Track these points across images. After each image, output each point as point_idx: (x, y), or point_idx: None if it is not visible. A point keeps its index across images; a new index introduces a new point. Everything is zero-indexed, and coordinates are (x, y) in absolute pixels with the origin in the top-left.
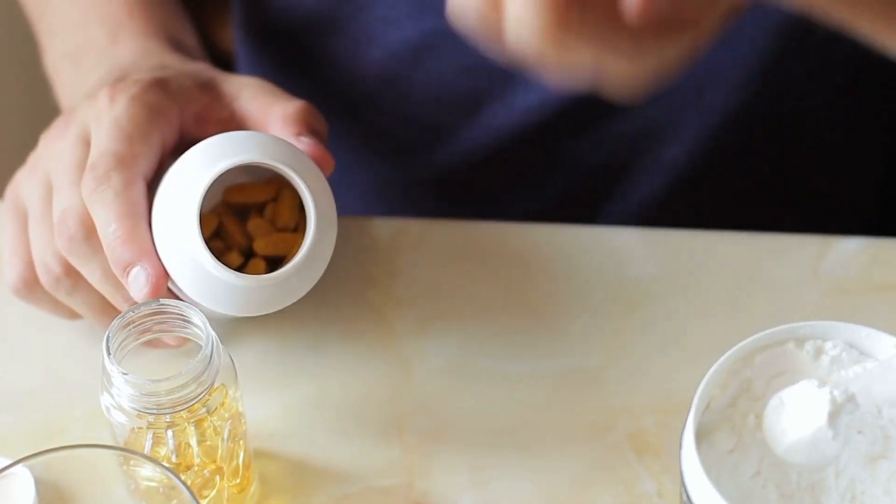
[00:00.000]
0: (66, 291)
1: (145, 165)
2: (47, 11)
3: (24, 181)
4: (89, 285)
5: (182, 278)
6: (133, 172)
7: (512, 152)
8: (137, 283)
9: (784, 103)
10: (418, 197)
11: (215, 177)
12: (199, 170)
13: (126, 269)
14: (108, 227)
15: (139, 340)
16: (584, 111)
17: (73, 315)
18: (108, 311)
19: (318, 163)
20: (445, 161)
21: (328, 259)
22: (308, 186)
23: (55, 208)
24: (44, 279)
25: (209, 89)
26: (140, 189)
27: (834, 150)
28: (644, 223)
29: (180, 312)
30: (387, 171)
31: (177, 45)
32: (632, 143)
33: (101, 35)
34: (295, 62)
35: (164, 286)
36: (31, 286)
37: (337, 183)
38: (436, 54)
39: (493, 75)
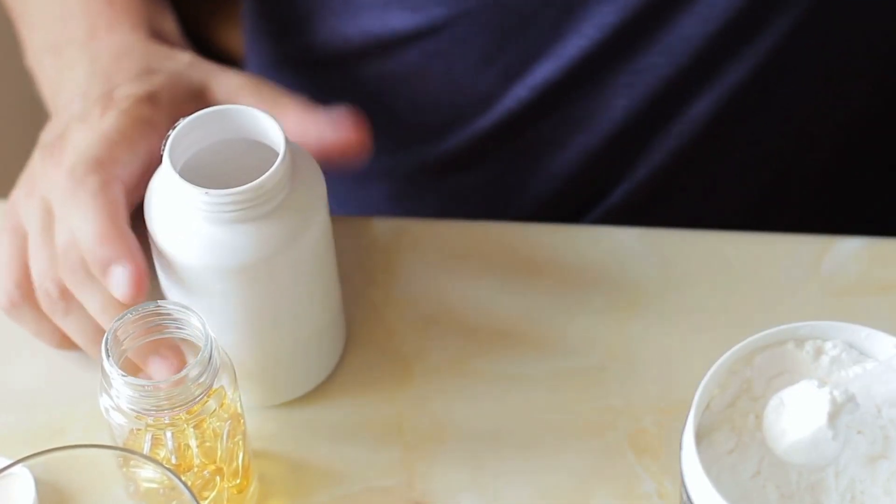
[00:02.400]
0: (61, 314)
1: (125, 170)
2: (28, 5)
3: (23, 203)
4: (84, 311)
5: (174, 253)
6: (110, 174)
7: (558, 103)
8: (117, 281)
9: (785, 102)
10: (453, 166)
11: (187, 120)
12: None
13: (105, 268)
14: (85, 227)
15: (138, 342)
16: (631, 48)
17: (58, 342)
18: (99, 339)
19: (352, 143)
20: (486, 126)
21: (316, 210)
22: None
23: (58, 236)
24: (43, 302)
25: (202, 97)
26: (117, 189)
27: (834, 150)
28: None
29: (179, 314)
30: (425, 150)
31: (157, 34)
32: (678, 85)
33: (80, 27)
34: (320, 53)
35: (145, 285)
36: (17, 306)
37: (371, 169)
38: (480, 25)
39: (540, 32)
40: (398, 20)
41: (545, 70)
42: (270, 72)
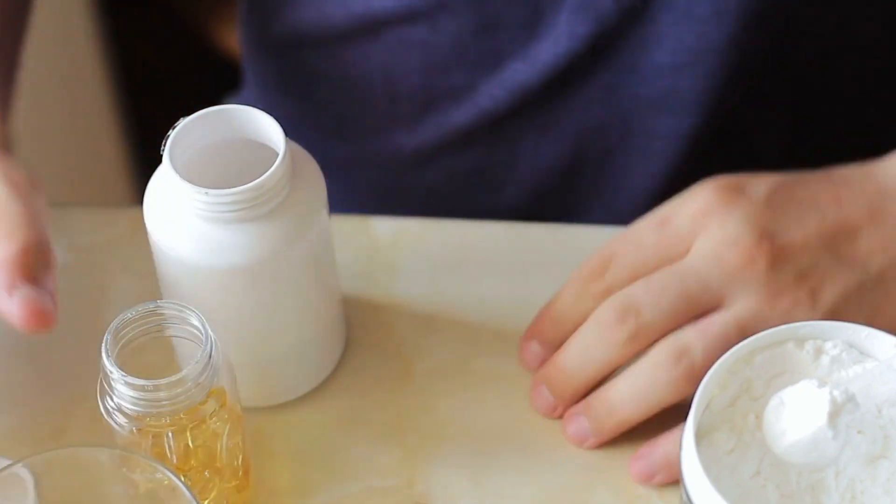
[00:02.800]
0: None
1: None
2: None
3: None
4: None
5: (174, 253)
6: None
7: (531, 108)
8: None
9: (805, 73)
10: (430, 162)
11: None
12: None
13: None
14: None
15: (138, 342)
16: (605, 65)
17: None
18: None
19: (34, 319)
20: (460, 121)
21: (316, 210)
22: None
23: None
24: None
25: None
26: None
27: (848, 148)
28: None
29: (179, 314)
30: (402, 138)
31: None
32: (653, 106)
33: None
34: (305, 33)
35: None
36: None
37: (349, 156)
38: (453, 13)
39: (512, 32)
40: (379, 1)
41: (519, 72)
42: (258, 55)
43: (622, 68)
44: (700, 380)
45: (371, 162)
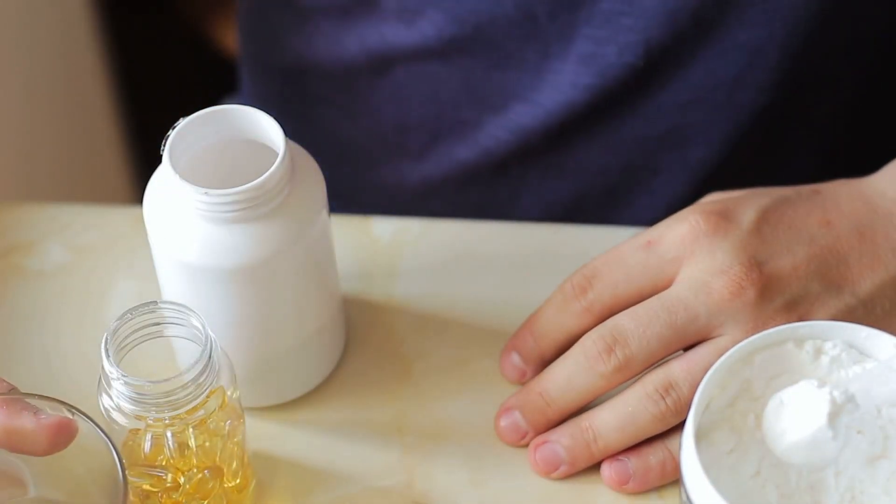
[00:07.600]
0: None
1: None
2: None
3: None
4: None
5: (174, 253)
6: None
7: (534, 151)
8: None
9: (812, 103)
10: (434, 195)
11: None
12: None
13: None
14: None
15: (138, 342)
16: (608, 112)
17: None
18: None
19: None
20: (465, 158)
21: (316, 210)
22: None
23: None
24: None
25: None
26: None
27: (860, 151)
28: None
29: (179, 314)
30: (407, 169)
31: None
32: (657, 144)
33: None
34: (314, 63)
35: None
36: None
37: (354, 183)
38: (465, 51)
39: (519, 75)
40: (392, 33)
41: (522, 115)
42: (261, 78)
43: (625, 114)
44: (687, 411)
45: (375, 189)
